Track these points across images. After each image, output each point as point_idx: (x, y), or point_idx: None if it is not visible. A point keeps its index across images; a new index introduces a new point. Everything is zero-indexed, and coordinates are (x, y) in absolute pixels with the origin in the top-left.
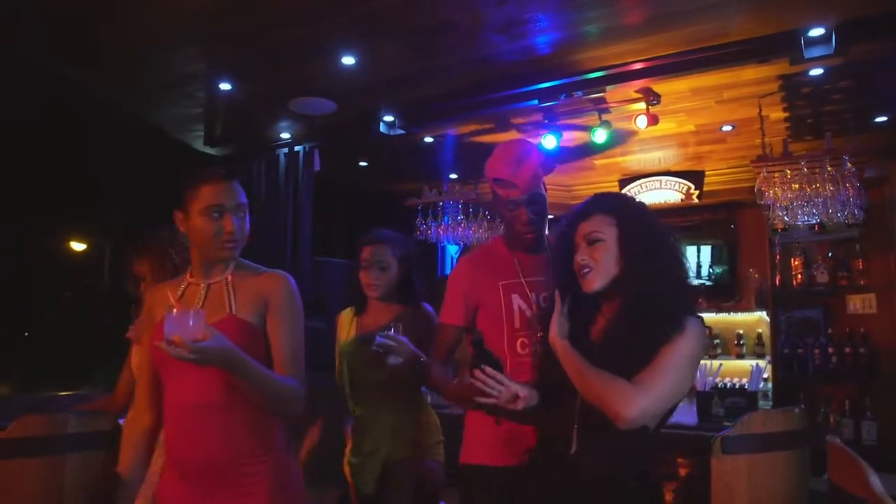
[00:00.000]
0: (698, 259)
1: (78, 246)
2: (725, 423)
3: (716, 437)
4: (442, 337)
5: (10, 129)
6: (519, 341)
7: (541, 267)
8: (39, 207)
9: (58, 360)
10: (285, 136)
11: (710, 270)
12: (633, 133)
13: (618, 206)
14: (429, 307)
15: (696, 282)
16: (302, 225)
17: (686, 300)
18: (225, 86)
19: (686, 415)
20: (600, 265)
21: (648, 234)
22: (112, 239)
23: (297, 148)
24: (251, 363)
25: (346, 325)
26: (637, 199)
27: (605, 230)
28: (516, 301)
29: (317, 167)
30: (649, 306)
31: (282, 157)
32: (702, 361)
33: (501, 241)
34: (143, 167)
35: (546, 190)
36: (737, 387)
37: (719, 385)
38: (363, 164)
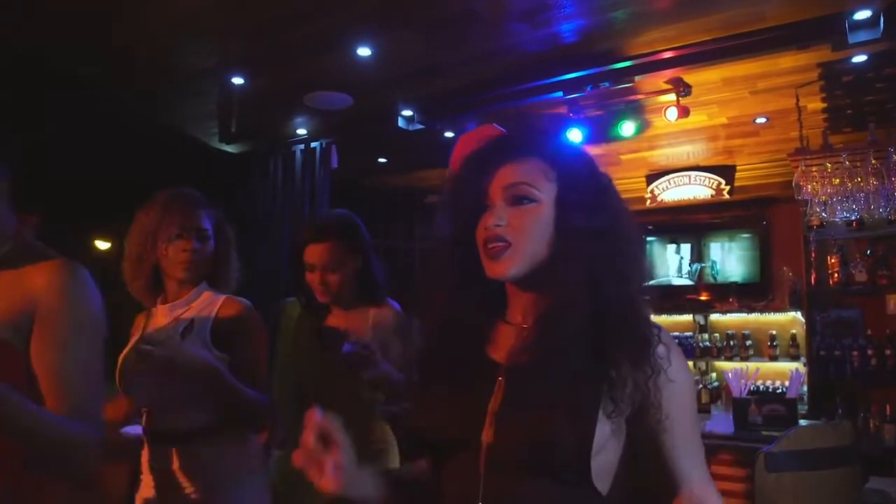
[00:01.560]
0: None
1: (103, 245)
2: (763, 433)
3: (759, 453)
4: None
5: (29, 130)
6: None
7: None
8: (61, 207)
9: None
10: (301, 132)
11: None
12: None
13: (560, 151)
14: (396, 305)
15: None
16: None
17: (648, 306)
18: (237, 80)
19: (722, 423)
20: (525, 238)
21: (604, 203)
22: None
23: (313, 144)
24: (25, 403)
25: (297, 326)
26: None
27: (541, 185)
28: None
29: (334, 164)
30: (613, 315)
31: (298, 154)
32: (737, 365)
33: None
34: (159, 165)
35: None
36: (770, 389)
37: (752, 388)
38: (382, 160)
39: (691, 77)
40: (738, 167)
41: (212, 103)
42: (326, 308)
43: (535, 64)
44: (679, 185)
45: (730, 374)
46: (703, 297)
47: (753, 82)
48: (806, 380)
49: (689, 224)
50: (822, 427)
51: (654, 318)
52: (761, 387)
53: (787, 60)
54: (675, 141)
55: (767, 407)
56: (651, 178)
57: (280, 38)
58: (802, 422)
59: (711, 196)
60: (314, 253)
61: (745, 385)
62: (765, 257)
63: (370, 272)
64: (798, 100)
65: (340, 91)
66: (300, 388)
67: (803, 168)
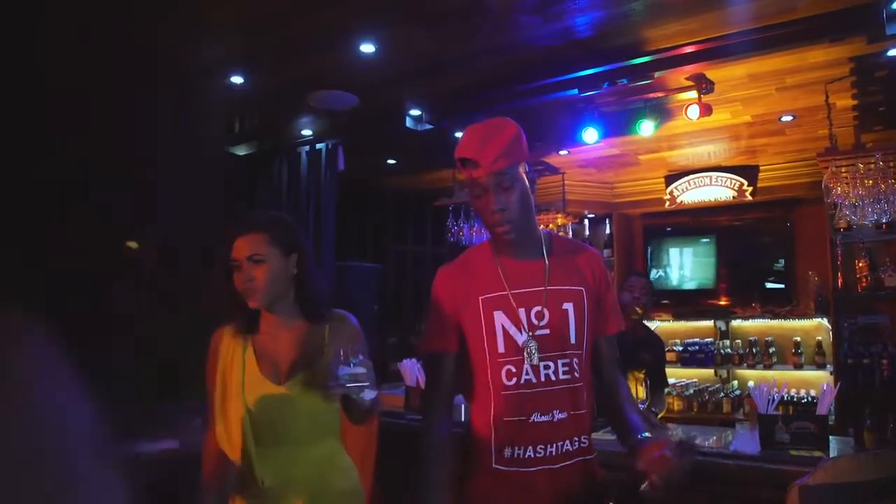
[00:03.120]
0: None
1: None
2: (792, 452)
3: (793, 486)
4: (437, 371)
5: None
6: (504, 370)
7: (531, 275)
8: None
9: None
10: (307, 132)
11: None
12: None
13: None
14: (353, 318)
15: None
16: (325, 227)
17: None
18: (237, 79)
19: (746, 442)
20: None
21: None
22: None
23: (318, 146)
24: None
25: (233, 354)
26: None
27: None
28: (500, 319)
29: (341, 166)
30: None
31: (304, 156)
32: (759, 373)
33: (488, 244)
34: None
35: (531, 178)
36: (795, 399)
37: (780, 398)
38: (391, 161)
39: (714, 73)
40: (761, 167)
41: (213, 104)
42: (255, 321)
43: (549, 60)
44: (699, 187)
45: (754, 388)
46: (722, 302)
47: (781, 78)
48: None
49: (710, 226)
50: (864, 457)
51: (673, 323)
52: (786, 396)
53: (818, 54)
54: (696, 140)
55: (796, 424)
56: (670, 179)
57: (279, 33)
58: (832, 441)
59: (733, 198)
60: (240, 247)
61: (773, 396)
62: (789, 261)
63: (308, 279)
64: (828, 96)
65: (345, 90)
66: (248, 421)
67: (833, 169)
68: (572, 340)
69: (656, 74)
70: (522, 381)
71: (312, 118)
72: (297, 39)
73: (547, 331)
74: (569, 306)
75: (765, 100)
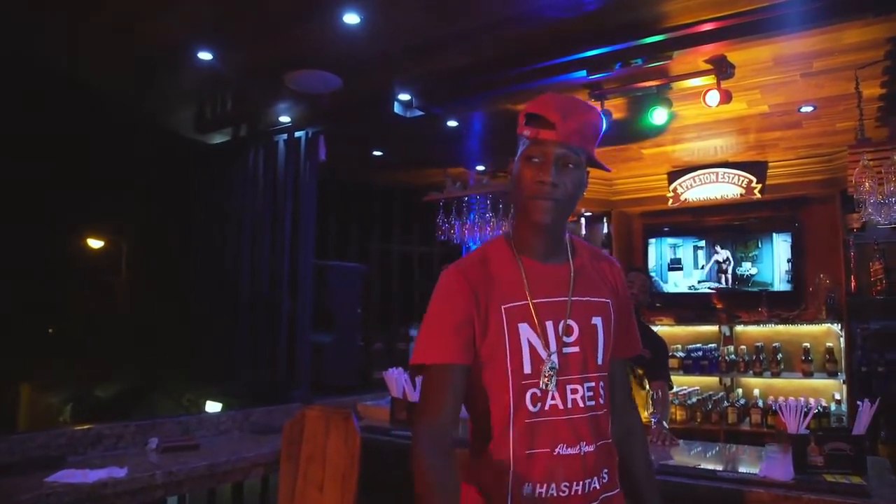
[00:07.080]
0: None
1: (95, 243)
2: (827, 477)
3: None
4: (440, 388)
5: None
6: (529, 394)
7: (556, 282)
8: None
9: (81, 356)
10: (284, 119)
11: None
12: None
13: None
14: None
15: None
16: (304, 223)
17: None
18: (205, 55)
19: (779, 468)
20: None
21: None
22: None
23: (297, 134)
24: None
25: None
26: None
27: None
28: (525, 333)
29: (322, 157)
30: None
31: (281, 145)
32: (766, 381)
33: (504, 241)
34: (131, 159)
35: (588, 178)
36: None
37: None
38: (377, 153)
39: (737, 55)
40: (770, 164)
41: (182, 87)
42: None
43: (554, 37)
44: (705, 184)
45: (783, 404)
46: (726, 306)
47: (809, 62)
48: (844, 397)
49: (713, 226)
50: None
51: (675, 328)
52: (802, 406)
53: (853, 34)
54: (704, 133)
55: (830, 446)
56: (674, 176)
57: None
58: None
59: (741, 195)
60: None
61: (804, 415)
62: (797, 262)
63: None
64: (858, 82)
65: (326, 70)
66: None
67: (865, 163)
68: (599, 361)
69: (675, 54)
70: (548, 407)
71: (290, 103)
72: (271, 7)
73: (576, 348)
74: (598, 321)
75: (787, 87)
